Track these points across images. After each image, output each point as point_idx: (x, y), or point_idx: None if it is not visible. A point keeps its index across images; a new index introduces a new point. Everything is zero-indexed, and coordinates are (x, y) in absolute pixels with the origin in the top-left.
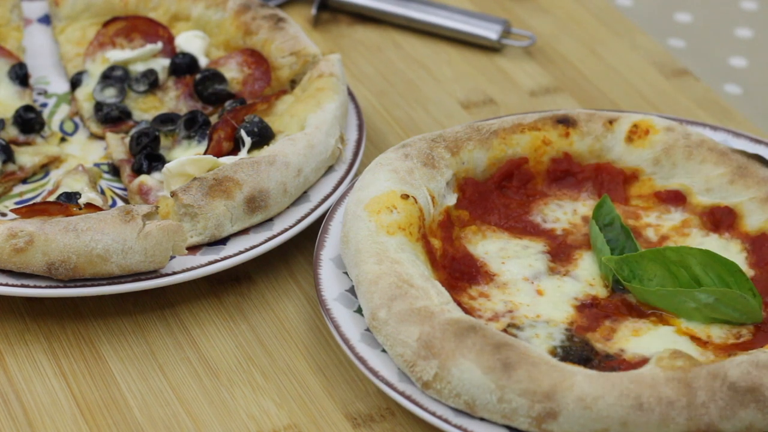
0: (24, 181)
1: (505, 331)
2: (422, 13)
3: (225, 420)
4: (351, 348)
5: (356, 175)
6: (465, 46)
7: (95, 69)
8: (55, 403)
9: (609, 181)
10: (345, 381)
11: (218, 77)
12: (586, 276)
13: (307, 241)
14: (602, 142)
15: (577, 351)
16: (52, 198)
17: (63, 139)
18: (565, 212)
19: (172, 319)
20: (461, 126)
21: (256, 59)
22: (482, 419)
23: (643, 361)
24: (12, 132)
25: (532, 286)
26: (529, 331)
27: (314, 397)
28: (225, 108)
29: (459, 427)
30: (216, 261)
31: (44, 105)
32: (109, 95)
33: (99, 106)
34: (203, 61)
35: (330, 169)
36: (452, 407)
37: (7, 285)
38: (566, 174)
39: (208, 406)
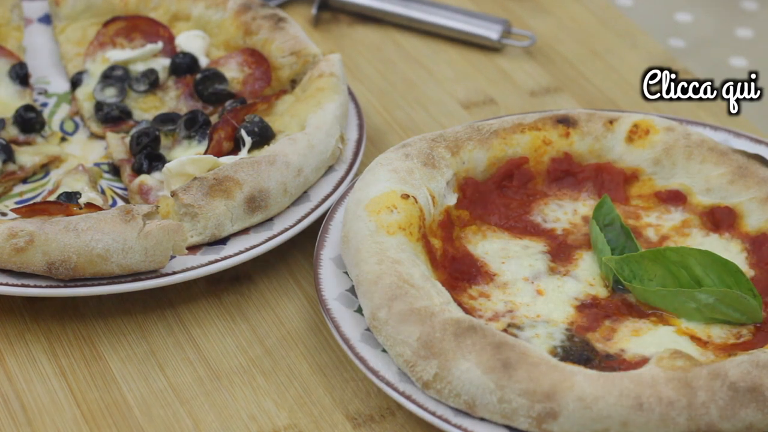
0: (24, 180)
1: (505, 331)
2: (423, 13)
3: (225, 420)
4: (351, 348)
5: (356, 175)
6: (465, 46)
7: (95, 69)
8: (55, 403)
9: (609, 181)
10: (345, 381)
11: (218, 77)
12: (586, 276)
13: (307, 241)
14: (602, 142)
15: (578, 351)
16: (52, 198)
17: (63, 139)
18: (566, 212)
19: (173, 319)
20: (461, 126)
21: (257, 59)
22: (482, 419)
23: (643, 361)
24: (12, 131)
25: (533, 286)
26: (530, 331)
27: (314, 397)
28: (225, 108)
29: (459, 427)
30: (216, 261)
31: (44, 105)
32: (110, 95)
33: (99, 106)
34: (203, 61)
35: (330, 169)
36: (452, 407)
37: (7, 285)
38: (566, 174)
39: (208, 406)
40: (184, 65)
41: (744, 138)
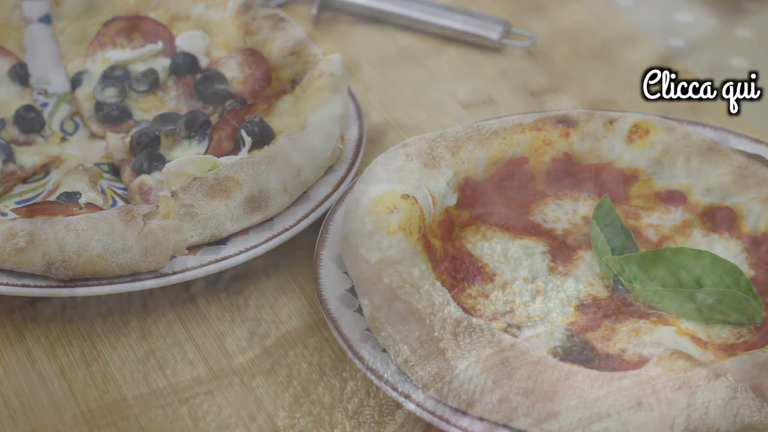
0: (24, 180)
1: (505, 330)
2: (423, 13)
3: (225, 420)
4: (351, 348)
5: (356, 175)
6: (465, 46)
7: (96, 69)
8: (55, 403)
9: (609, 181)
10: (344, 380)
11: (219, 77)
12: (586, 276)
13: (307, 241)
14: (602, 142)
15: (578, 351)
16: (52, 198)
17: (63, 139)
18: (566, 212)
19: (173, 318)
20: (461, 126)
21: (257, 59)
22: (482, 419)
23: (643, 361)
24: (12, 131)
25: (533, 286)
26: (530, 331)
27: (314, 396)
28: (225, 108)
29: (459, 427)
30: (216, 261)
31: (45, 104)
32: (110, 95)
33: (99, 106)
34: (204, 61)
35: (330, 169)
36: (452, 407)
37: (7, 285)
38: (566, 174)
39: (208, 405)
40: (184, 65)
41: (744, 138)
